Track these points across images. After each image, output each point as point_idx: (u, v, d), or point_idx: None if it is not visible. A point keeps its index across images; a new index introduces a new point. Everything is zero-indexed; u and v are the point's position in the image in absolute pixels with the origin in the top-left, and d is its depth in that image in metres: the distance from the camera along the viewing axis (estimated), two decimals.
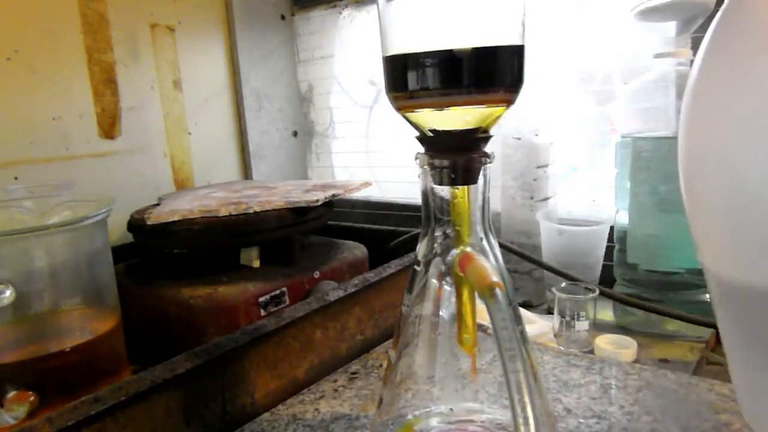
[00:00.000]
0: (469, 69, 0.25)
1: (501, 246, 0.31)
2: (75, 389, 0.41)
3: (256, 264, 0.57)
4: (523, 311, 0.61)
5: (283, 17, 0.98)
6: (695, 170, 0.20)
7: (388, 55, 0.26)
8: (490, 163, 0.27)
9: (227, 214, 0.55)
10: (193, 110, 0.85)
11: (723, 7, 0.21)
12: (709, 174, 0.19)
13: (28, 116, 0.66)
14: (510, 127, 0.72)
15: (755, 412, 0.24)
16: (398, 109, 0.27)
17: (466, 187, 0.28)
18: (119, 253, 0.59)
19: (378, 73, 0.80)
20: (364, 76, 0.93)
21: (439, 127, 0.27)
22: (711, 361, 0.54)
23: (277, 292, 0.54)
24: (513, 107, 0.27)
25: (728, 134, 0.19)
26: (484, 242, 0.29)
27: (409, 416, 0.31)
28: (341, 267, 0.61)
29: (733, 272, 0.20)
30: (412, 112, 0.27)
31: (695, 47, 0.63)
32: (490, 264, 0.26)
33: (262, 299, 0.53)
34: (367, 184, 0.67)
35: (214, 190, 0.70)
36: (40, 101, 0.67)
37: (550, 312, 0.68)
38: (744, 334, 0.22)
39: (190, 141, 0.84)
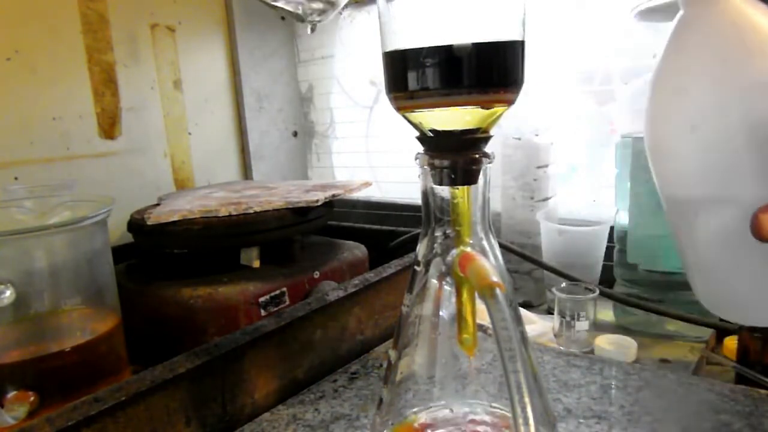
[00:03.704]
0: (470, 69, 0.25)
1: (501, 246, 0.31)
2: (75, 389, 0.41)
3: (256, 264, 0.57)
4: (523, 311, 0.61)
5: (283, 18, 0.98)
6: (657, 129, 0.31)
7: (388, 53, 0.26)
8: (490, 163, 0.27)
9: (227, 214, 0.55)
10: (193, 110, 0.85)
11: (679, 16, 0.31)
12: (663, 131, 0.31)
13: (28, 116, 0.66)
14: (510, 127, 0.72)
15: (708, 295, 0.34)
16: (398, 109, 0.27)
17: (466, 187, 0.28)
18: (119, 253, 0.59)
19: (378, 74, 0.80)
20: (364, 76, 0.93)
21: (439, 127, 0.27)
22: (711, 361, 0.54)
23: (277, 292, 0.54)
24: (513, 107, 0.27)
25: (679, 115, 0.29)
26: (484, 242, 0.29)
27: (408, 413, 0.31)
28: (341, 267, 0.61)
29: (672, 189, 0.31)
30: (412, 112, 0.27)
31: None
32: (490, 264, 0.26)
33: (262, 299, 0.53)
34: (367, 184, 0.67)
35: (214, 190, 0.70)
36: (40, 101, 0.67)
37: (550, 312, 0.68)
38: (688, 236, 0.32)
39: (190, 141, 0.84)
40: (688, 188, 0.29)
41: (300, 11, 0.57)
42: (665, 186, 0.31)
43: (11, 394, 0.40)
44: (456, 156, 0.27)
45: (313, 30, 0.61)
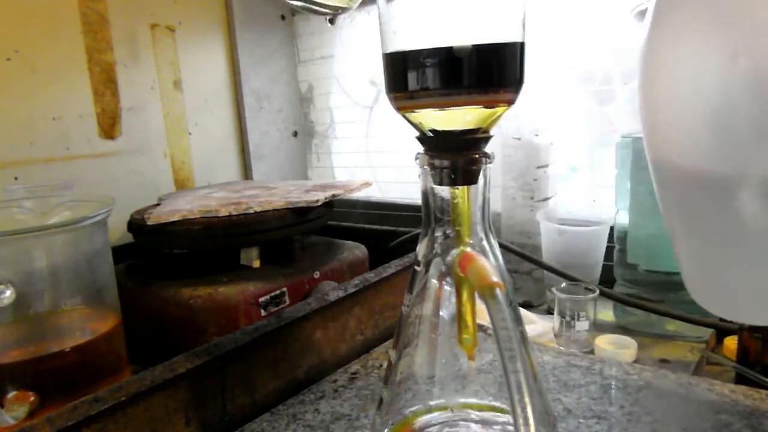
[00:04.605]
0: (470, 69, 0.25)
1: (501, 246, 0.31)
2: (75, 389, 0.41)
3: (256, 264, 0.57)
4: (523, 311, 0.61)
5: (283, 17, 0.98)
6: (655, 88, 0.28)
7: (388, 54, 0.26)
8: (490, 163, 0.27)
9: (227, 214, 0.55)
10: (193, 110, 0.85)
11: None
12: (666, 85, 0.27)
13: (28, 116, 0.66)
14: (510, 127, 0.72)
15: (701, 289, 0.29)
16: (398, 109, 0.27)
17: (466, 187, 0.28)
18: (119, 253, 0.59)
19: (378, 73, 0.80)
20: (364, 76, 0.93)
21: (440, 128, 0.27)
22: (711, 361, 0.54)
23: (277, 292, 0.54)
24: (513, 107, 0.27)
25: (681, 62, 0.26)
26: (484, 242, 0.29)
27: (407, 412, 0.31)
28: (341, 267, 0.61)
29: (678, 158, 0.26)
30: (412, 112, 0.27)
31: None
32: (490, 264, 0.26)
33: (262, 299, 0.53)
34: (367, 184, 0.67)
35: (214, 190, 0.70)
36: (40, 101, 0.67)
37: (550, 312, 0.68)
38: (685, 218, 0.27)
39: (190, 141, 0.84)
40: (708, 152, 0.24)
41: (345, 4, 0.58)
42: (673, 156, 0.25)
43: (11, 394, 0.40)
44: (456, 156, 0.27)
45: (332, 22, 0.61)
